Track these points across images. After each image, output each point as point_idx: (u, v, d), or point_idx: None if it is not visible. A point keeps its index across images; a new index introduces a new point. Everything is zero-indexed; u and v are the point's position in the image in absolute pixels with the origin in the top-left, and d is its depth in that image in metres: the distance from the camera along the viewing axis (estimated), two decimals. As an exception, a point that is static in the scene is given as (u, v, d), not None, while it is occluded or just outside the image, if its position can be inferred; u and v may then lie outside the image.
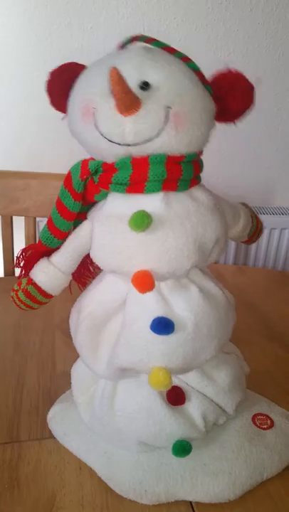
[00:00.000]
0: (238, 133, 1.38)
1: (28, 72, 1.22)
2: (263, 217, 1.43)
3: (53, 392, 0.59)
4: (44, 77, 0.42)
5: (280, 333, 0.74)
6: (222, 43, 1.28)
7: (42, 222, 1.27)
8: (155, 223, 0.39)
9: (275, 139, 1.43)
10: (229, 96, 0.39)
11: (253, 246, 1.47)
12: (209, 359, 0.43)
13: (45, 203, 0.98)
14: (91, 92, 0.38)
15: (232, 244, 1.44)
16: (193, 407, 0.45)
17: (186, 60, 0.39)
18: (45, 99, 0.42)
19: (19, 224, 1.01)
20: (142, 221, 0.38)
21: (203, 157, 0.43)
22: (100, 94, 0.37)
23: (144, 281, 0.39)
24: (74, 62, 0.41)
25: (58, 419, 0.52)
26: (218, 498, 0.44)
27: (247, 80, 0.39)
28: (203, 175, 0.43)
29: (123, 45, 0.41)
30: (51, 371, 0.63)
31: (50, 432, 0.52)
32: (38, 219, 1.05)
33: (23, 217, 1.00)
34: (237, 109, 0.40)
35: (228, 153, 1.40)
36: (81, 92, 0.39)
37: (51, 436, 0.51)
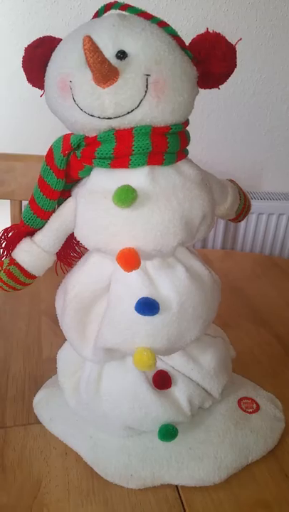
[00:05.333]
0: (226, 117, 1.37)
1: (10, 52, 1.19)
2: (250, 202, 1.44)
3: (39, 377, 0.58)
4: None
5: (265, 317, 0.74)
6: (211, 23, 1.25)
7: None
8: (140, 199, 0.37)
9: (263, 123, 1.42)
10: (210, 58, 0.38)
11: (241, 231, 1.47)
12: (194, 339, 0.43)
13: (31, 186, 0.95)
14: (67, 65, 0.36)
15: (220, 229, 1.44)
16: (179, 391, 0.45)
17: (163, 25, 0.37)
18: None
19: (4, 207, 0.99)
20: (126, 196, 0.36)
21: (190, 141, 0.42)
22: (76, 67, 0.35)
23: (130, 260, 0.38)
24: (49, 36, 0.39)
25: (44, 404, 0.52)
26: (204, 482, 0.44)
27: (227, 41, 0.38)
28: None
29: (98, 14, 0.39)
30: (37, 357, 0.63)
31: (35, 417, 0.52)
32: (24, 202, 1.03)
33: (9, 201, 0.98)
34: (219, 71, 0.38)
35: (216, 137, 1.39)
36: (56, 65, 0.37)
37: (37, 422, 0.51)
